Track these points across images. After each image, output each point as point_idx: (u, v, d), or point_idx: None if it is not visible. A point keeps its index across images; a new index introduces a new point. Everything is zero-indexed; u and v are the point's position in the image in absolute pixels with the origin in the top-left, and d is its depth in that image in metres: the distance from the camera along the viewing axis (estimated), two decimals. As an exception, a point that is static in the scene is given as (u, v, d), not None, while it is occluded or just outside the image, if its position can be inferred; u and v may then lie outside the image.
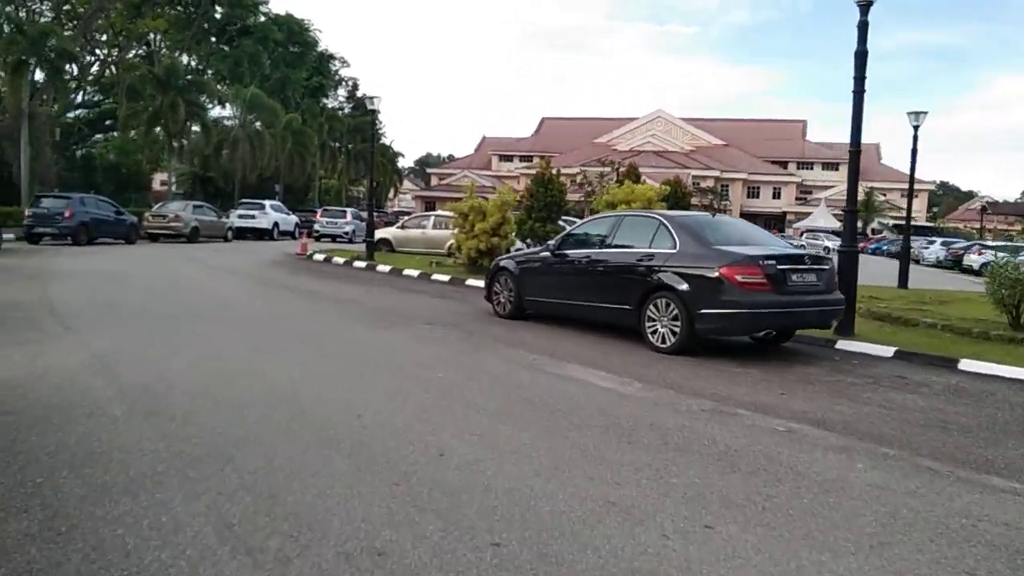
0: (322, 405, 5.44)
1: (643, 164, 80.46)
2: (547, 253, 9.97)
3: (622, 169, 35.76)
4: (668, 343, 8.10)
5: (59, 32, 30.71)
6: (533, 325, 9.85)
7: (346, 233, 31.15)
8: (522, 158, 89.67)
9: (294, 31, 54.73)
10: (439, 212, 25.56)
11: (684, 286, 7.97)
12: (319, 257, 20.88)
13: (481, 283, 14.59)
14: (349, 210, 34.41)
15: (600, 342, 8.71)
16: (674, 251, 8.24)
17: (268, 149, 39.30)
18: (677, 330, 8.01)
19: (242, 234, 30.07)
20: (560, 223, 23.85)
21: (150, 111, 33.64)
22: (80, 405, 5.19)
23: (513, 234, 17.64)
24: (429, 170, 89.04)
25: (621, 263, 8.80)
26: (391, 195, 71.95)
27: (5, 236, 22.14)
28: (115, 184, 45.47)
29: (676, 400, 6.12)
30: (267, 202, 32.18)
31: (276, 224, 31.20)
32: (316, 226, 31.41)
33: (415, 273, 16.80)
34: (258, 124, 41.31)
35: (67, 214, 21.79)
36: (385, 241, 23.54)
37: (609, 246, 9.11)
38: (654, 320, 8.24)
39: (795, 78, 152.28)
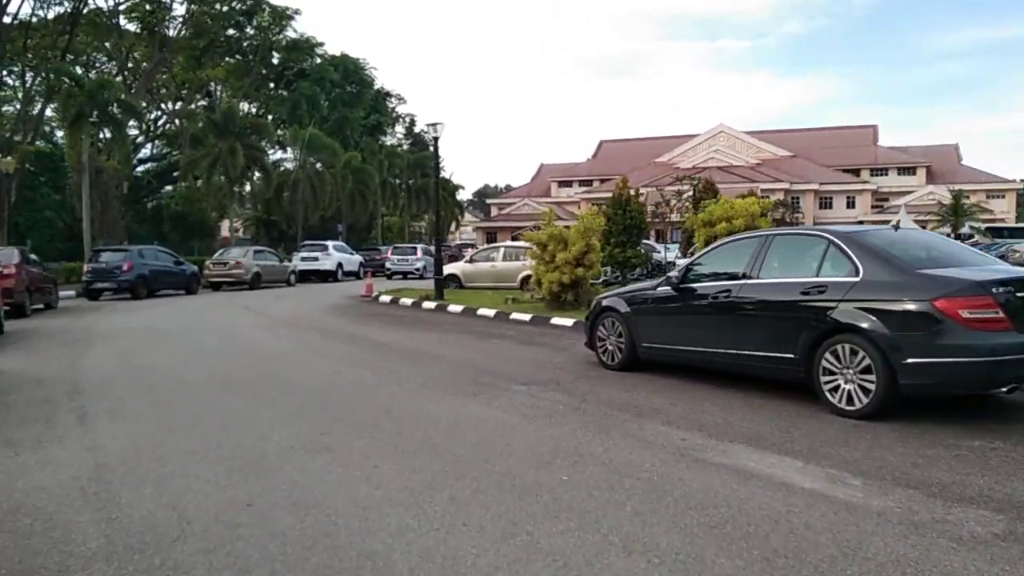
0: (408, 558, 3.47)
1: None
2: (667, 288, 7.89)
3: (699, 185, 33.52)
4: (858, 404, 5.91)
5: (116, 84, 30.34)
6: (654, 379, 7.76)
7: (417, 270, 30.17)
8: (581, 183, 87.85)
9: (350, 71, 54.39)
10: (508, 243, 23.75)
11: (878, 327, 5.79)
12: (385, 299, 19.23)
13: (566, 321, 12.67)
14: (419, 246, 33.01)
15: (755, 403, 6.56)
16: (856, 279, 6.07)
17: (329, 189, 38.27)
18: (871, 387, 5.81)
19: (306, 277, 28.85)
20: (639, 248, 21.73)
21: (210, 158, 32.92)
22: (42, 572, 3.35)
23: (599, 264, 15.65)
24: (488, 201, 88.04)
25: (778, 299, 6.65)
26: (452, 228, 70.96)
27: (64, 294, 21.22)
28: (182, 233, 45.31)
29: (938, 513, 3.94)
30: (330, 243, 30.98)
31: (340, 265, 29.90)
32: (388, 264, 30.48)
33: (491, 313, 14.90)
34: (318, 165, 40.43)
35: (125, 267, 20.74)
36: (453, 277, 21.85)
37: (755, 276, 6.97)
38: (834, 373, 6.06)
39: (857, 85, 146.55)
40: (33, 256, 18.15)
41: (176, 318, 15.86)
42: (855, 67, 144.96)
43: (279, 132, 41.61)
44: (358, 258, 31.71)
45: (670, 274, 8.32)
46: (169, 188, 53.09)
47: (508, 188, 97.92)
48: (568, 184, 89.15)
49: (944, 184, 68.07)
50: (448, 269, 22.39)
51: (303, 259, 29.25)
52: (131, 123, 40.79)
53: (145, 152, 48.87)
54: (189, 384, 8.04)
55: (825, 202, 73.77)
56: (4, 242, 27.58)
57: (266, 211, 43.75)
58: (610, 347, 8.52)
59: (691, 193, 31.75)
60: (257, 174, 39.24)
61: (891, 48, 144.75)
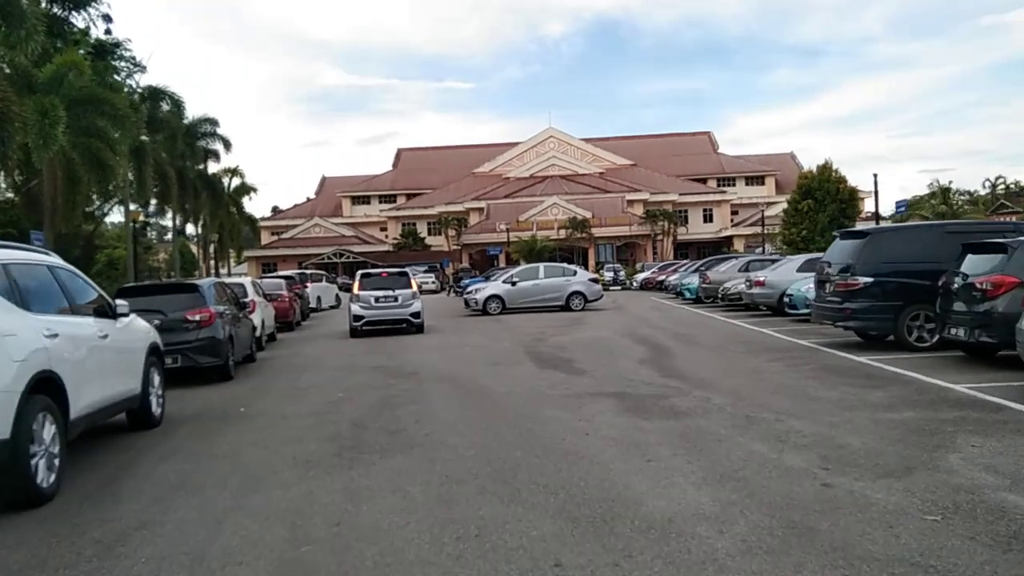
0: None
1: (553, 191, 58.83)
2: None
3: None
4: None
5: None
6: None
7: (415, 315, 7.23)
8: (383, 198, 64.19)
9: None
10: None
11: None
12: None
13: None
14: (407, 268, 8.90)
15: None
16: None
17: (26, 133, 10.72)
18: None
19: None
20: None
21: None
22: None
23: None
24: (262, 224, 59.77)
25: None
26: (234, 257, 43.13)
27: None
28: None
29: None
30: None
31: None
32: (355, 307, 6.95)
33: None
34: None
35: None
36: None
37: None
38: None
39: (580, 123, 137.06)
40: None
41: None
42: (569, 109, 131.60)
43: None
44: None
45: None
46: None
47: (275, 211, 69.92)
48: (365, 201, 64.75)
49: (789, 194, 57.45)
50: None
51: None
52: None
53: None
54: None
55: (680, 215, 59.17)
56: None
57: None
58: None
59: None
60: None
61: (600, 88, 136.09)
